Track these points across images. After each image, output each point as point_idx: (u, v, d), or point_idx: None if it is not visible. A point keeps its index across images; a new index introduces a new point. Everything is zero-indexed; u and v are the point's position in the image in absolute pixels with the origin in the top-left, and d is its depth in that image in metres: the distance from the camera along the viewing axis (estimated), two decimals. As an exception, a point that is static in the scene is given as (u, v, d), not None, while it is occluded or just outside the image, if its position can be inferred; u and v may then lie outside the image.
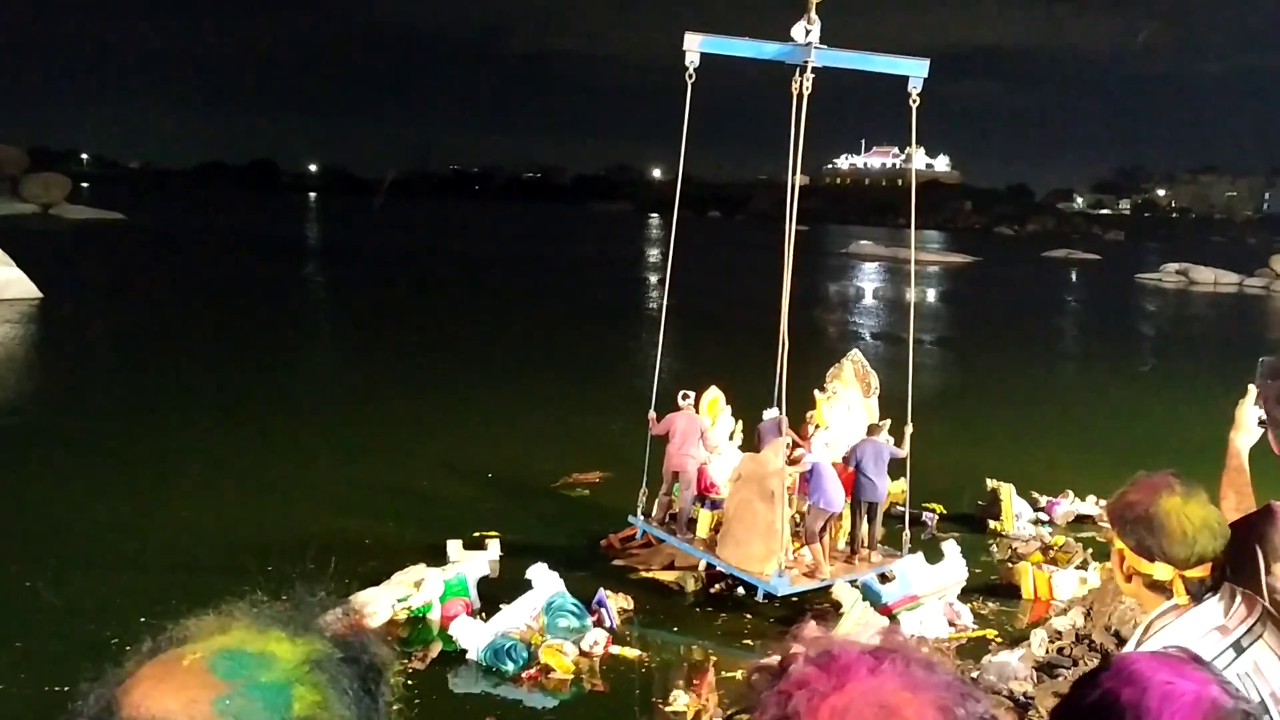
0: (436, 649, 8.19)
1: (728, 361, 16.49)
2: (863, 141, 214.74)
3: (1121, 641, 7.37)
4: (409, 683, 7.46)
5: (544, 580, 8.86)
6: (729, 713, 1.02)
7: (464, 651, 8.13)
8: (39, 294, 27.31)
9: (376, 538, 10.37)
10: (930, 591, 9.32)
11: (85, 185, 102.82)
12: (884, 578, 9.48)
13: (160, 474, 12.44)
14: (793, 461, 9.62)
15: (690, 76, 9.73)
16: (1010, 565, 10.56)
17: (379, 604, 8.38)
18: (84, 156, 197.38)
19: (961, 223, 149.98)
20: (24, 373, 19.78)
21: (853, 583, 9.36)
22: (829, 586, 9.34)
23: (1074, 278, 62.69)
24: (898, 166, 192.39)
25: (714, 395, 11.03)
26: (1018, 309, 40.56)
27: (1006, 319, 36.67)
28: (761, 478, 9.48)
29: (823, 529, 9.55)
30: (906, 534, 10.07)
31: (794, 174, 9.35)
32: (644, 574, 9.96)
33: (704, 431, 10.39)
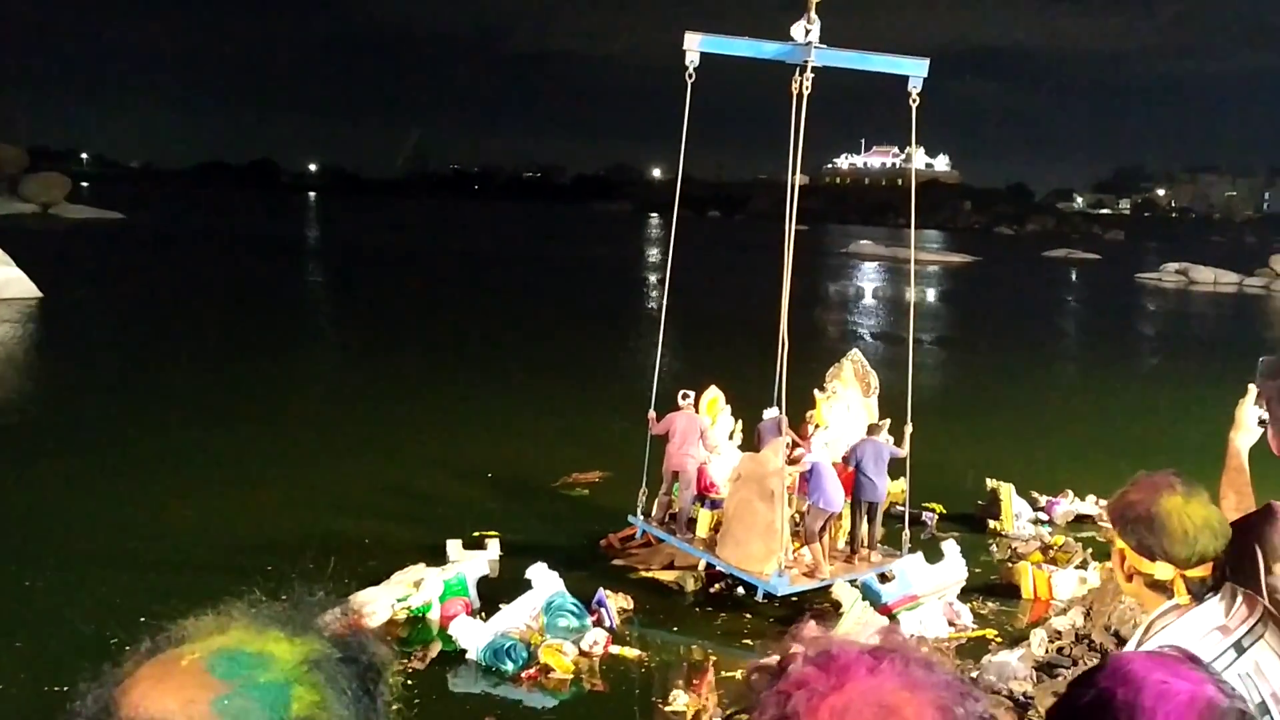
0: (436, 649, 8.19)
1: (728, 361, 16.47)
2: (862, 141, 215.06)
3: (1121, 641, 7.38)
4: (408, 683, 7.44)
5: (544, 580, 8.86)
6: (728, 712, 1.02)
7: (463, 651, 8.13)
8: (39, 294, 27.31)
9: (376, 538, 10.36)
10: (930, 591, 9.32)
11: (85, 185, 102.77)
12: (884, 577, 9.48)
13: (160, 474, 12.43)
14: (792, 461, 9.61)
15: (690, 76, 9.73)
16: (1010, 565, 10.56)
17: (378, 604, 8.38)
18: (83, 156, 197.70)
19: (961, 222, 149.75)
20: (24, 372, 19.75)
21: (852, 582, 9.35)
22: (829, 586, 9.34)
23: (1074, 277, 62.61)
24: (897, 166, 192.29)
25: (714, 395, 11.03)
26: (1017, 309, 40.56)
27: (1006, 319, 36.65)
28: (761, 477, 9.47)
29: (822, 529, 9.55)
30: (906, 534, 10.07)
31: (794, 174, 9.35)
32: (644, 574, 9.96)
33: (704, 431, 10.38)
